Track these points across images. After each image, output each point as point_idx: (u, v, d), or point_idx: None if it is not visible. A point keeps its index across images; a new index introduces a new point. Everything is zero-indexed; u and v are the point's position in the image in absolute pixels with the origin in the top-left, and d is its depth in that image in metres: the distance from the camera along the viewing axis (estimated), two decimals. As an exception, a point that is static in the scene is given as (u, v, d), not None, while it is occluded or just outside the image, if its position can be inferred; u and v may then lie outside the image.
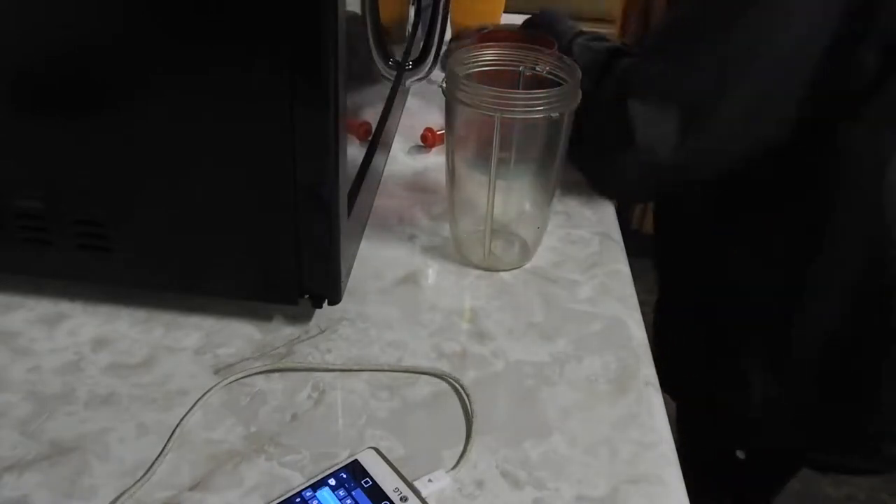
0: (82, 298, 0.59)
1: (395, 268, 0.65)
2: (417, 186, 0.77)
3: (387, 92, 0.66)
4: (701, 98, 0.68)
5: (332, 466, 0.46)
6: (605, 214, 0.75)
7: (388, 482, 0.45)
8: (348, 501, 0.44)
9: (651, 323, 0.91)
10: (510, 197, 0.64)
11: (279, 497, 0.45)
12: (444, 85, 0.59)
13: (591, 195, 0.77)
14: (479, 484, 0.47)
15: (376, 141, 0.65)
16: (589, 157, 0.75)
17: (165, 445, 0.48)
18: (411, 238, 0.69)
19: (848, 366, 0.76)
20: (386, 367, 0.55)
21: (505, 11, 1.13)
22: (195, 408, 0.51)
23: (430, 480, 0.46)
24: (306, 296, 0.56)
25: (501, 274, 0.65)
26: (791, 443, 0.86)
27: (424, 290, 0.63)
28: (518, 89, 0.63)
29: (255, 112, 0.48)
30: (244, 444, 0.49)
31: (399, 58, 0.62)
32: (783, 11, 0.66)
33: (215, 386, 0.52)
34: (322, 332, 0.58)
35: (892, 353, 0.74)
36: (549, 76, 0.62)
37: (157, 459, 0.47)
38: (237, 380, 0.53)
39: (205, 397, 0.51)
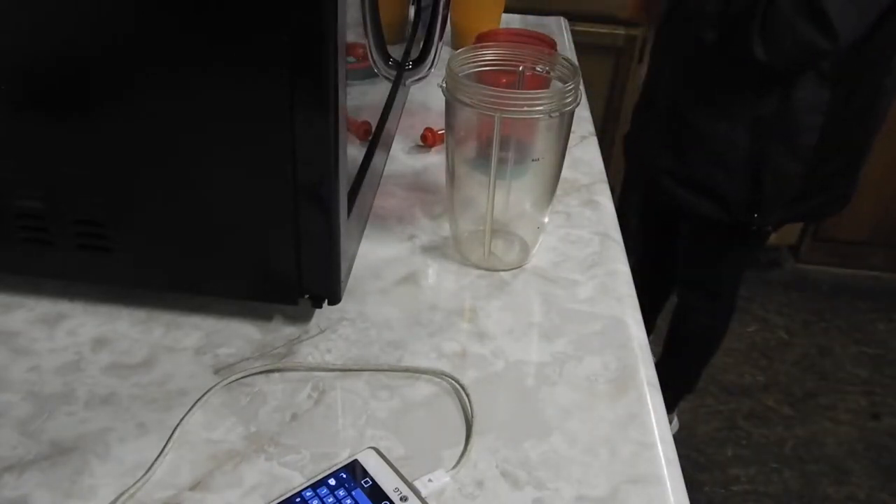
0: (82, 298, 0.59)
1: (395, 268, 0.65)
2: (417, 186, 0.77)
3: (387, 92, 0.66)
4: None
5: (332, 466, 0.46)
6: (604, 214, 0.75)
7: (388, 482, 0.45)
8: (348, 501, 0.44)
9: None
10: (510, 197, 0.64)
11: (279, 497, 0.45)
12: (444, 85, 0.59)
13: (591, 195, 0.77)
14: (479, 484, 0.47)
15: (376, 141, 0.65)
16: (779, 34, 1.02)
17: (165, 445, 0.48)
18: (411, 238, 0.69)
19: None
20: (386, 367, 0.55)
21: (505, 11, 1.13)
22: (195, 408, 0.51)
23: (430, 480, 0.46)
24: (306, 296, 0.56)
25: (501, 274, 0.65)
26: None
27: (424, 290, 0.63)
28: (518, 89, 0.63)
29: (255, 112, 0.48)
30: (244, 444, 0.49)
31: (399, 58, 0.62)
32: None
33: (215, 386, 0.52)
34: (322, 332, 0.58)
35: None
36: (549, 76, 0.62)
37: (157, 459, 0.47)
38: (237, 380, 0.53)
39: (205, 397, 0.51)
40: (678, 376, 1.65)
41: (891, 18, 1.03)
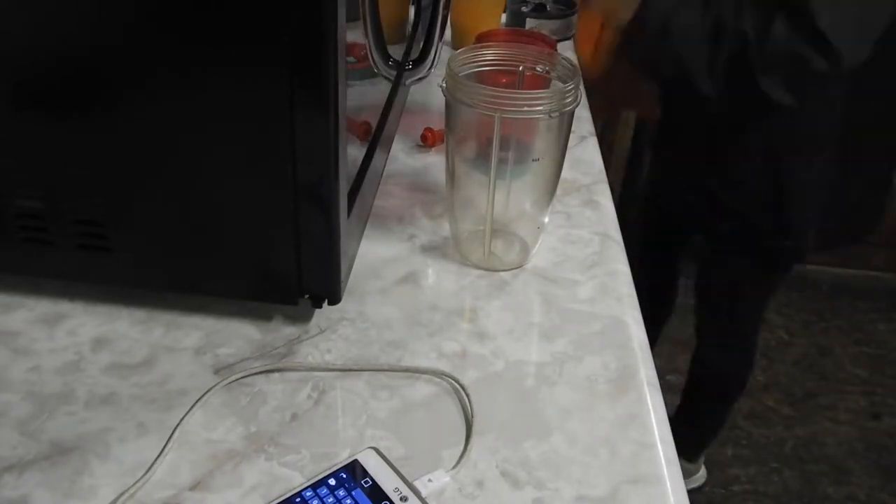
0: (82, 298, 0.59)
1: (395, 268, 0.65)
2: (417, 186, 0.77)
3: (387, 92, 0.66)
4: None
5: (332, 466, 0.46)
6: (604, 214, 0.75)
7: (388, 482, 0.45)
8: (348, 501, 0.44)
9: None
10: (510, 197, 0.64)
11: (279, 497, 0.45)
12: (444, 85, 0.59)
13: (591, 195, 0.77)
14: (479, 484, 0.47)
15: (376, 141, 0.65)
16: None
17: (165, 445, 0.48)
18: (411, 238, 0.69)
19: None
20: (386, 367, 0.55)
21: (505, 11, 1.13)
22: (195, 408, 0.51)
23: (430, 480, 0.46)
24: (306, 296, 0.56)
25: (501, 274, 0.65)
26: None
27: (424, 290, 0.63)
28: (518, 89, 0.63)
29: (255, 112, 0.48)
30: (244, 444, 0.49)
31: (399, 58, 0.62)
32: None
33: (215, 386, 0.52)
34: (322, 332, 0.58)
35: None
36: (549, 76, 0.62)
37: (157, 459, 0.47)
38: (237, 380, 0.53)
39: (205, 397, 0.51)
40: (701, 422, 1.54)
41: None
